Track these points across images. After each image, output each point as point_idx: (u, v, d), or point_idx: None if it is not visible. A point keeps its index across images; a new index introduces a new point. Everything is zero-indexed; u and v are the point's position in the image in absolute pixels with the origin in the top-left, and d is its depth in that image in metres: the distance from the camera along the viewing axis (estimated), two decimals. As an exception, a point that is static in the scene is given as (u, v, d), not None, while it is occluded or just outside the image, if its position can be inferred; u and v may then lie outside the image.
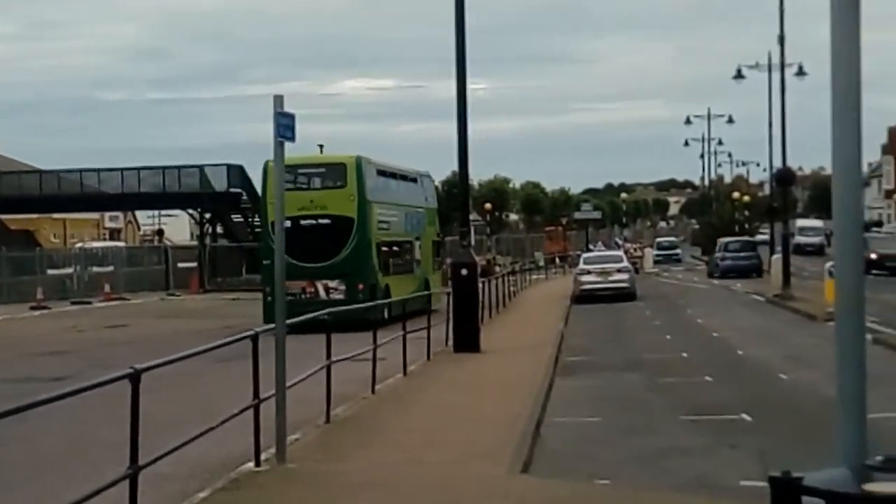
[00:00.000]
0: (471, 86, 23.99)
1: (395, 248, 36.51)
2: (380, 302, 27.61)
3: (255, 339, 11.09)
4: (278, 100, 11.11)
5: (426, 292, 32.94)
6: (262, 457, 11.20)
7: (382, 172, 36.48)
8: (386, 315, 26.84)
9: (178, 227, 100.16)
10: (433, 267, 41.14)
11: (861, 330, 3.63)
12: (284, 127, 11.17)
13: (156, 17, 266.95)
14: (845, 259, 3.62)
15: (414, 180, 41.18)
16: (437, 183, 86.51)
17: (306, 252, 31.02)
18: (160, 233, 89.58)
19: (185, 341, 20.38)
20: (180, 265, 63.30)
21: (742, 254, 59.43)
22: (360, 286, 31.93)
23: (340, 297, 31.22)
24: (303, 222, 31.98)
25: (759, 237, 77.03)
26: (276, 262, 11.69)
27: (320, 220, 32.67)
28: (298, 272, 29.63)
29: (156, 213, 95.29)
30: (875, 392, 15.94)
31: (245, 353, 11.22)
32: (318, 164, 34.87)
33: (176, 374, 12.93)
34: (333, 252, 32.34)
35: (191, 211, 70.76)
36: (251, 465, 11.09)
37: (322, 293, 31.88)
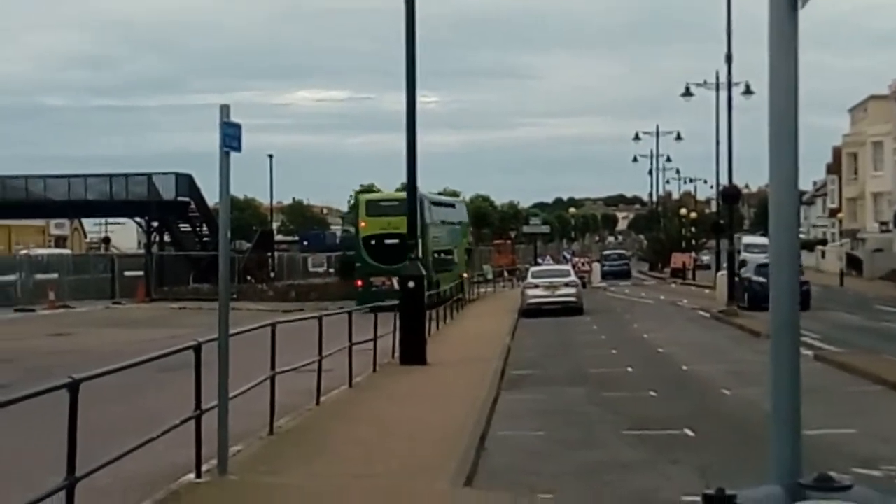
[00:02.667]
0: (421, 99, 24.15)
1: (442, 255, 52.28)
2: (432, 291, 38.32)
3: (197, 349, 11.00)
4: (224, 109, 11.00)
5: (461, 284, 51.24)
6: (204, 468, 11.10)
7: (434, 203, 54.14)
8: (437, 299, 38.66)
9: (126, 235, 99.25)
10: (465, 267, 58.35)
11: (795, 347, 3.64)
12: (230, 137, 11.08)
13: (102, 25, 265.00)
14: (781, 275, 3.64)
15: (453, 206, 60.37)
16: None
17: (386, 258, 45.00)
18: (107, 241, 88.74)
19: (129, 351, 20.18)
20: (127, 273, 62.74)
21: (617, 262, 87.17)
22: None
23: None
24: (384, 239, 46.40)
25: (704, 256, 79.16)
26: (221, 266, 11.58)
27: (394, 237, 42.92)
28: (382, 271, 45.26)
29: (103, 220, 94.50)
30: (813, 409, 16.16)
31: (190, 363, 11.12)
32: (392, 199, 48.28)
33: (118, 385, 12.79)
34: (404, 258, 37.62)
35: (138, 219, 70.24)
36: (192, 476, 10.98)
37: (396, 285, 38.73)
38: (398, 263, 39.64)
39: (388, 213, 46.68)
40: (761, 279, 39.46)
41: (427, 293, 32.81)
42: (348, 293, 50.52)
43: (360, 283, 47.10)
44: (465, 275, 54.47)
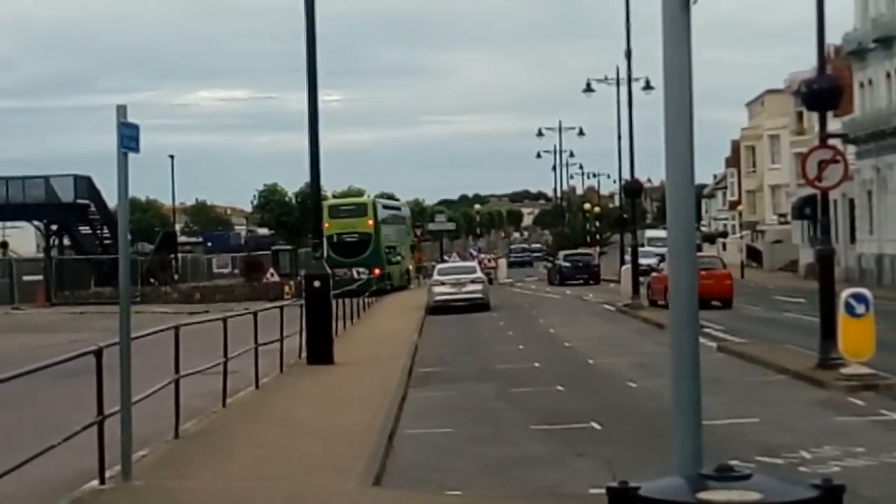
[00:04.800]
0: (324, 97, 24.14)
1: (392, 249, 61.93)
2: (386, 281, 55.67)
3: (98, 353, 10.82)
4: (121, 110, 10.81)
5: (407, 274, 64.96)
6: (108, 474, 10.91)
7: (385, 206, 65.28)
8: (389, 287, 56.10)
9: (24, 239, 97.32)
10: (410, 260, 69.55)
11: (694, 338, 3.68)
12: (128, 138, 10.90)
13: (2, 25, 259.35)
14: (680, 268, 3.67)
15: (399, 209, 71.79)
16: (290, 194, 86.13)
17: (346, 253, 56.13)
18: (4, 245, 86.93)
19: (29, 356, 19.78)
20: (25, 278, 61.53)
21: (521, 255, 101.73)
22: (377, 271, 55.64)
23: (365, 277, 51.63)
24: (345, 237, 57.40)
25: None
26: (121, 269, 11.41)
27: (353, 235, 57.66)
28: (342, 264, 52.43)
29: (0, 224, 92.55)
30: (716, 399, 16.36)
31: (93, 369, 10.93)
32: (349, 204, 63.20)
33: (16, 391, 12.52)
34: (361, 252, 56.94)
35: (36, 223, 68.96)
36: (95, 483, 10.80)
37: (355, 275, 52.13)
38: (356, 257, 56.30)
39: (345, 215, 58.84)
40: (566, 264, 68.20)
41: (383, 282, 51.99)
42: (253, 294, 55.66)
43: None
44: (410, 267, 64.58)
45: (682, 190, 3.63)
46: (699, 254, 64.68)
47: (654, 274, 41.55)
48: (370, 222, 58.55)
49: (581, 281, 65.42)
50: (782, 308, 38.56)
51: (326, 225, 55.30)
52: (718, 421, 13.62)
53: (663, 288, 34.38)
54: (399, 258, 63.81)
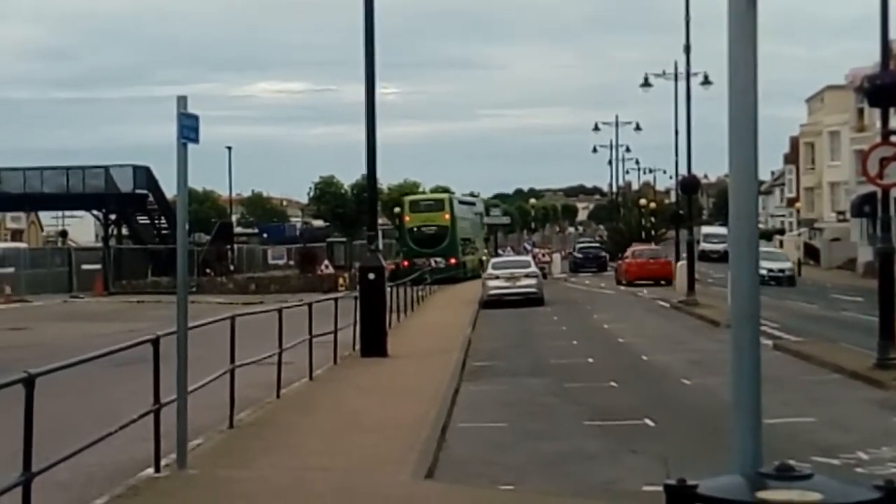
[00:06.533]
0: (381, 90, 24.24)
1: (467, 240, 67.30)
2: (460, 269, 61.60)
3: (155, 342, 10.92)
4: (182, 101, 10.89)
5: (481, 263, 62.12)
6: (163, 463, 11.02)
7: (461, 202, 71.44)
8: (464, 275, 60.34)
9: (83, 228, 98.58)
10: (484, 251, 74.58)
11: (756, 337, 3.63)
12: (188, 129, 10.98)
13: (60, 18, 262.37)
14: (741, 266, 3.63)
15: (473, 203, 77.91)
16: (346, 186, 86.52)
17: (425, 244, 62.32)
18: (64, 234, 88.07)
19: (87, 345, 20.01)
20: (84, 267, 62.30)
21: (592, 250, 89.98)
22: (453, 261, 62.00)
23: (442, 266, 59.87)
24: (423, 228, 63.13)
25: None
26: (179, 259, 11.50)
27: (431, 228, 63.11)
28: (421, 254, 60.91)
29: (60, 213, 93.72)
30: (773, 398, 16.20)
31: (149, 357, 11.03)
32: (428, 199, 70.42)
33: (75, 379, 12.66)
34: (439, 243, 62.77)
35: (95, 212, 69.73)
36: (151, 471, 10.90)
37: (433, 264, 59.15)
38: (434, 248, 62.34)
39: (424, 209, 65.07)
40: (580, 255, 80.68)
41: (459, 271, 59.62)
42: (308, 285, 56.02)
43: (405, 263, 59.36)
44: (483, 257, 66.65)
45: (745, 187, 3.59)
46: (645, 246, 70.15)
47: (620, 261, 62.56)
48: (447, 216, 63.97)
49: (593, 269, 76.69)
50: (840, 307, 38.15)
51: (407, 218, 65.06)
52: (774, 420, 13.47)
53: (625, 271, 58.58)
54: (474, 249, 69.21)
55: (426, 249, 61.78)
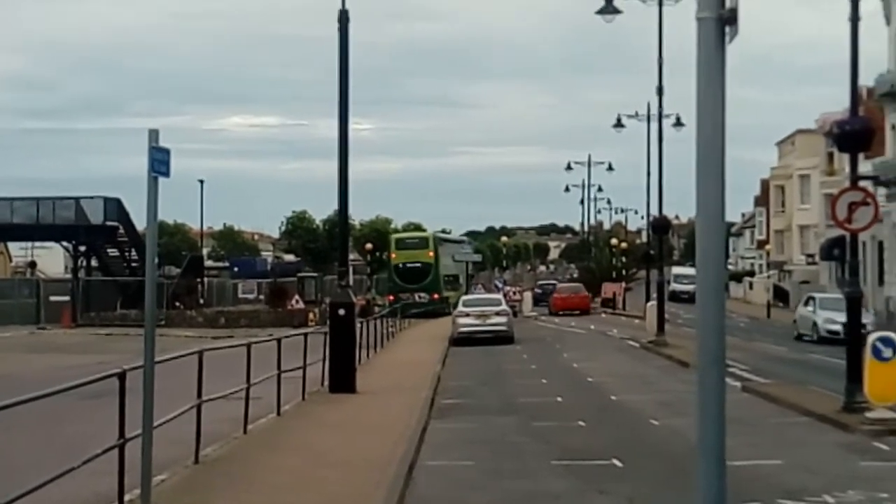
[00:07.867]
0: (354, 126, 24.22)
1: (449, 277, 70.37)
2: (443, 304, 62.15)
3: (122, 376, 10.82)
4: (153, 134, 10.85)
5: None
6: (126, 498, 10.89)
7: (443, 240, 74.73)
8: (445, 311, 57.97)
9: (53, 259, 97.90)
10: (467, 287, 75.48)
11: (721, 379, 3.64)
12: (159, 162, 10.93)
13: (35, 47, 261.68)
14: (707, 310, 3.64)
15: (458, 242, 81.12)
16: (318, 221, 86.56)
17: (409, 279, 65.33)
18: (32, 265, 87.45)
19: (53, 377, 19.83)
20: (52, 298, 61.83)
21: (549, 288, 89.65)
22: (436, 296, 64.79)
23: (425, 301, 62.94)
24: (408, 265, 65.99)
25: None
26: (147, 292, 11.42)
27: (416, 264, 65.96)
28: (406, 289, 64.16)
29: (29, 244, 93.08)
30: (740, 440, 16.22)
31: (116, 390, 10.92)
32: (413, 237, 73.49)
33: (39, 412, 12.54)
34: (423, 279, 65.46)
35: (65, 243, 69.35)
36: (114, 506, 10.78)
37: (416, 299, 62.61)
38: (418, 283, 65.17)
39: (410, 247, 68.31)
40: (539, 290, 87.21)
41: (441, 305, 60.39)
42: (278, 320, 54.10)
43: (391, 297, 62.78)
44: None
45: (713, 229, 3.61)
46: (568, 285, 75.17)
47: (554, 295, 74.71)
48: (431, 253, 67.36)
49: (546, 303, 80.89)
50: (807, 349, 38.29)
51: (393, 255, 68.68)
52: (741, 462, 13.48)
53: (553, 304, 72.23)
54: (458, 286, 72.23)
55: (411, 285, 65.07)
